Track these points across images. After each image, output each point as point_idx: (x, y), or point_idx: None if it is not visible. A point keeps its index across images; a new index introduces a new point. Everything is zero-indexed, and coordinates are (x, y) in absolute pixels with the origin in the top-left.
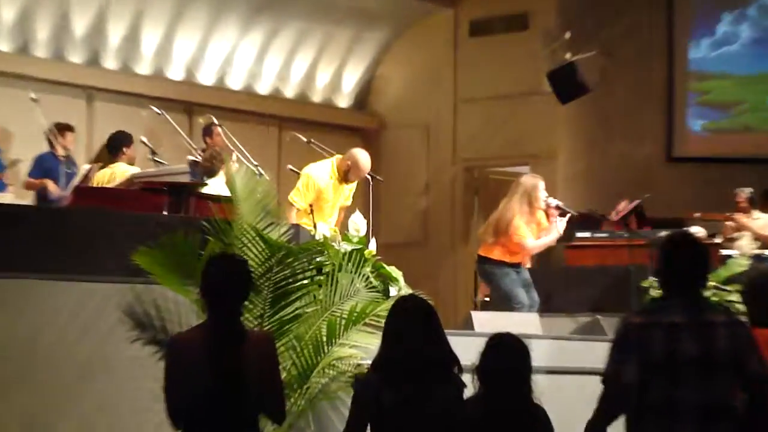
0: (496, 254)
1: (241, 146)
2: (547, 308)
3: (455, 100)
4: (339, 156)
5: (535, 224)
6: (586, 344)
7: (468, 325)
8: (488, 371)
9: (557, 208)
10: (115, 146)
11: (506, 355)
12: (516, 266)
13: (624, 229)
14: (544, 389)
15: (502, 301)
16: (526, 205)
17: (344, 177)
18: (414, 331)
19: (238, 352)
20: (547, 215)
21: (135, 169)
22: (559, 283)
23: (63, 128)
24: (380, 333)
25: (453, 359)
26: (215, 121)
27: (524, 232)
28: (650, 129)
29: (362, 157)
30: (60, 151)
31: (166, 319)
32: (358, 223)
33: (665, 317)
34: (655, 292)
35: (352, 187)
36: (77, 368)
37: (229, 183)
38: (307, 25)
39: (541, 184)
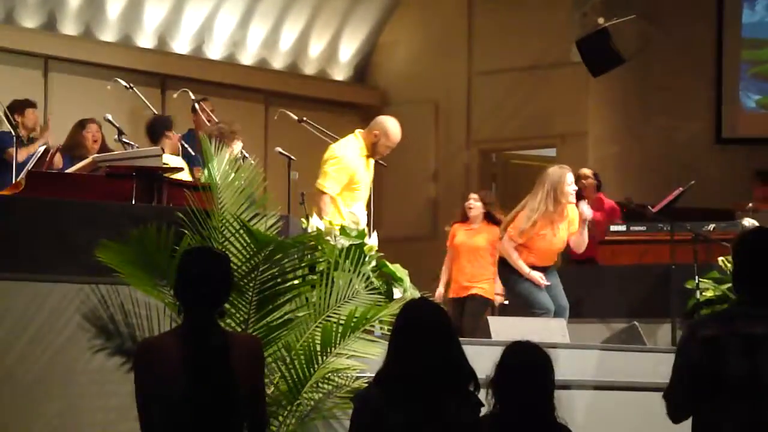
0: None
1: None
2: (575, 313)
3: (469, 73)
4: (360, 130)
5: (563, 223)
6: (622, 355)
7: (484, 331)
8: (505, 385)
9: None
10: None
11: (526, 367)
12: (542, 270)
13: (665, 221)
14: (570, 407)
15: (523, 308)
16: (551, 202)
17: (373, 151)
18: (424, 340)
19: (220, 359)
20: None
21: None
22: (589, 284)
23: (21, 105)
24: (382, 341)
25: (469, 374)
26: (191, 95)
27: (518, 231)
28: (696, 105)
29: (391, 124)
30: (22, 132)
31: (135, 325)
32: (357, 215)
33: (744, 327)
34: (703, 295)
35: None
36: (29, 384)
37: (208, 167)
38: None
39: (570, 177)
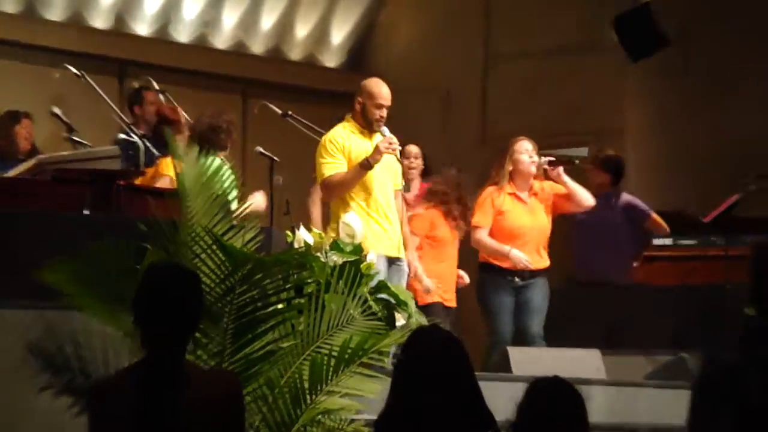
0: (482, 254)
1: (190, 120)
2: (612, 343)
3: (485, 57)
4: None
5: (535, 202)
6: (668, 393)
7: (503, 364)
8: (528, 430)
9: (551, 164)
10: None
11: (554, 407)
12: (522, 275)
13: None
14: None
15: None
16: (504, 172)
17: (365, 122)
18: (433, 376)
19: (184, 400)
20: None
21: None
22: (628, 308)
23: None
24: (382, 376)
25: (486, 417)
26: (155, 85)
27: (479, 216)
28: (759, 95)
29: (369, 81)
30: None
31: (89, 358)
32: (353, 226)
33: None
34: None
35: (397, 167)
36: None
37: (176, 171)
38: None
39: (525, 144)
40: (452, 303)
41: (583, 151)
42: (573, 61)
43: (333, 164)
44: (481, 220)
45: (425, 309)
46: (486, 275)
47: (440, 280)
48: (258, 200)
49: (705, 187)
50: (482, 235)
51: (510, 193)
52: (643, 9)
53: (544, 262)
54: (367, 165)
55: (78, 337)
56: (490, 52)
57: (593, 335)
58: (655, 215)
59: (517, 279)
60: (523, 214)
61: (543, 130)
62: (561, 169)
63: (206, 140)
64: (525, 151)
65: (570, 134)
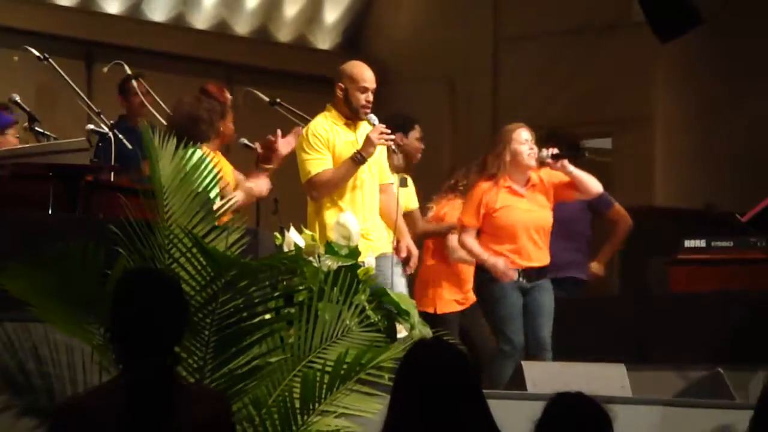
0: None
1: (167, 109)
2: (639, 357)
3: (495, 39)
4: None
5: (534, 194)
6: (702, 412)
7: (517, 381)
8: None
9: (555, 158)
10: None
11: (577, 427)
12: (527, 274)
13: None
14: None
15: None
16: (501, 164)
17: (350, 110)
18: (436, 394)
19: (174, 420)
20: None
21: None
22: (659, 318)
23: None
24: (381, 394)
25: None
26: (128, 70)
27: (468, 216)
28: None
29: (350, 63)
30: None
31: (53, 375)
32: (349, 227)
33: None
34: None
35: (379, 157)
36: None
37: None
38: None
39: (523, 133)
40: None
41: (607, 143)
42: (594, 43)
43: (318, 160)
44: (470, 220)
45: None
46: (491, 276)
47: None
48: (260, 185)
49: (744, 184)
50: (469, 237)
51: (506, 187)
52: None
53: (546, 259)
54: (360, 159)
55: (41, 352)
56: (500, 35)
57: (618, 348)
58: (618, 205)
59: (522, 279)
60: (520, 210)
61: (560, 120)
62: (565, 160)
63: (185, 132)
64: (525, 141)
65: (591, 124)
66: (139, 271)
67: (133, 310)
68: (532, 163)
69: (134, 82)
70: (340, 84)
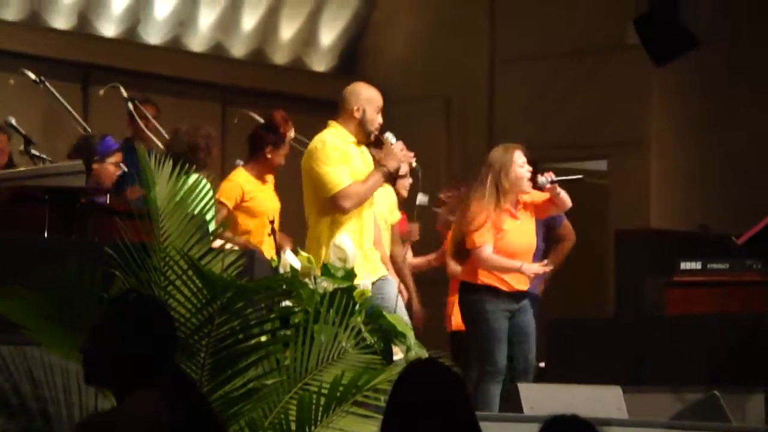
0: (482, 275)
1: (162, 131)
2: (635, 379)
3: (492, 61)
4: (332, 121)
5: (523, 214)
6: None
7: (513, 403)
8: None
9: (553, 184)
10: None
11: None
12: (516, 296)
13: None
14: None
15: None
16: (501, 193)
17: (362, 130)
18: (431, 417)
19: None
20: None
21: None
22: (655, 340)
23: None
24: (378, 416)
25: None
26: (123, 92)
27: (481, 235)
28: None
29: (364, 86)
30: None
31: (49, 398)
32: (345, 248)
33: None
34: None
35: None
36: None
37: (146, 186)
38: None
39: (520, 156)
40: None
41: (602, 165)
42: (589, 65)
43: (342, 172)
44: (485, 238)
45: None
46: (481, 297)
47: None
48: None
49: (740, 205)
50: (490, 253)
51: (506, 210)
52: (669, 5)
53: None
54: (388, 173)
55: (36, 375)
56: (496, 56)
57: (613, 370)
58: (567, 221)
59: (513, 302)
60: (518, 233)
61: (556, 141)
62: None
63: (185, 160)
64: (523, 164)
65: (586, 147)
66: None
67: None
68: (530, 188)
69: (130, 105)
70: (356, 106)
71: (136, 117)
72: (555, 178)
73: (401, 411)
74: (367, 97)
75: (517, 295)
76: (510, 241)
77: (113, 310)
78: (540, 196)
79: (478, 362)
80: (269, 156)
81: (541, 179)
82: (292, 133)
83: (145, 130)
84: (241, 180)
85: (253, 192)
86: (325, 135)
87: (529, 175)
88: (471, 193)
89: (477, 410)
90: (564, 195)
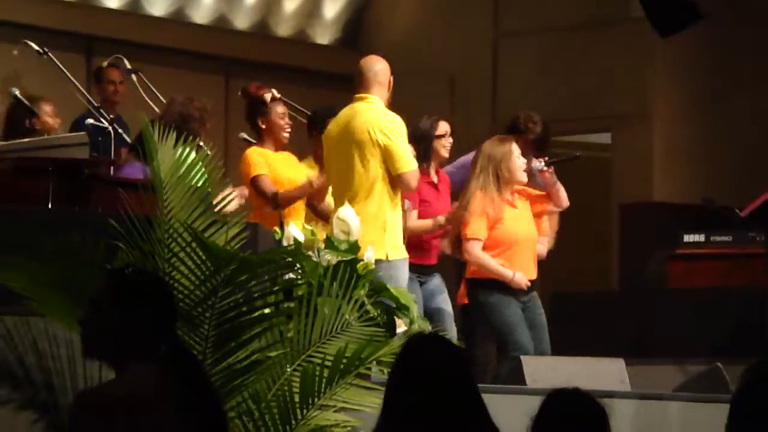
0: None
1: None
2: (638, 352)
3: (495, 34)
4: (366, 95)
5: (522, 203)
6: (701, 407)
7: (516, 376)
8: None
9: (549, 167)
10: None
11: (573, 422)
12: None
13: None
14: None
15: (499, 345)
16: (499, 184)
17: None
18: (432, 391)
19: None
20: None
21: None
22: (658, 313)
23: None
24: (381, 389)
25: None
26: (127, 64)
27: (476, 227)
28: None
29: (380, 61)
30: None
31: (53, 369)
32: (348, 221)
33: None
34: None
35: None
36: None
37: (150, 158)
38: None
39: (516, 148)
40: None
41: (606, 138)
42: (593, 38)
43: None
44: (480, 231)
45: None
46: (489, 292)
47: None
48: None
49: (743, 178)
50: (478, 250)
51: (504, 200)
52: None
53: (535, 272)
54: None
55: (41, 346)
56: (499, 30)
57: (617, 342)
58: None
59: (520, 294)
60: (517, 221)
61: (559, 114)
62: (552, 169)
63: (177, 130)
64: (518, 156)
65: (589, 119)
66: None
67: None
68: (525, 177)
69: (112, 71)
70: (387, 81)
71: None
72: (548, 159)
73: (403, 386)
74: (389, 71)
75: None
76: (509, 231)
77: (111, 282)
78: (534, 191)
79: (504, 356)
80: (263, 126)
81: (535, 164)
82: (268, 95)
83: (148, 100)
84: (256, 153)
85: (272, 163)
86: (394, 115)
87: (524, 166)
88: (469, 185)
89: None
90: (562, 192)
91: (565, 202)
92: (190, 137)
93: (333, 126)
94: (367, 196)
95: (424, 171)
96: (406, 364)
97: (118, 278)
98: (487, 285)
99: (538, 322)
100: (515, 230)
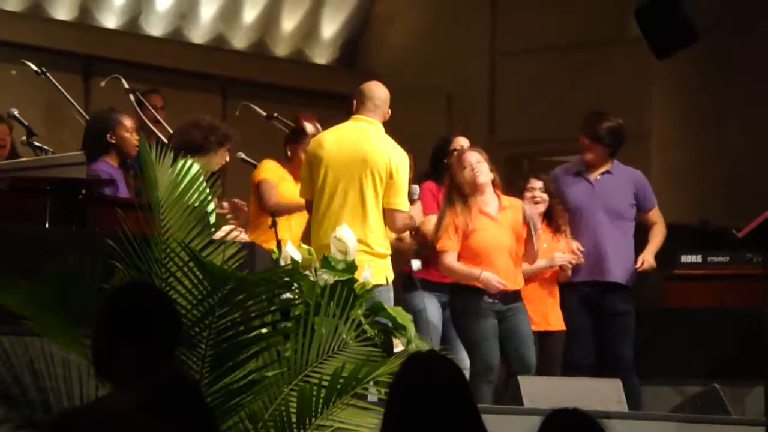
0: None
1: (164, 123)
2: (636, 371)
3: (493, 54)
4: (366, 118)
5: (501, 212)
6: (698, 427)
7: (513, 396)
8: None
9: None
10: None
11: None
12: (501, 298)
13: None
14: None
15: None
16: (456, 196)
17: None
18: (430, 410)
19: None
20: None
21: None
22: (655, 333)
23: None
24: (378, 408)
25: None
26: (125, 83)
27: (445, 241)
28: None
29: (378, 86)
30: None
31: (50, 388)
32: (346, 241)
33: None
34: None
35: None
36: None
37: (148, 177)
38: None
39: (469, 156)
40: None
41: None
42: (590, 58)
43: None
44: (448, 243)
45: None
46: (461, 298)
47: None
48: None
49: (740, 198)
50: (450, 261)
51: (477, 209)
52: None
53: (521, 283)
54: None
55: (37, 366)
56: (497, 49)
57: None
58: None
59: (496, 302)
60: (491, 232)
61: (556, 134)
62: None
63: (193, 140)
64: (477, 162)
65: None
66: (127, 284)
67: (135, 323)
68: (483, 179)
69: (132, 97)
70: (387, 111)
71: (138, 109)
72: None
73: (402, 405)
74: (388, 99)
75: (504, 296)
76: (479, 240)
77: (106, 301)
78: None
79: (472, 363)
80: (290, 153)
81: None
82: (311, 128)
83: (147, 122)
84: (275, 164)
85: (285, 180)
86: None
87: (472, 173)
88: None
89: None
90: (533, 249)
91: (532, 259)
92: (200, 151)
93: (334, 143)
94: (377, 225)
95: (442, 183)
96: (406, 383)
97: (113, 297)
98: (465, 292)
99: (520, 331)
100: (490, 239)
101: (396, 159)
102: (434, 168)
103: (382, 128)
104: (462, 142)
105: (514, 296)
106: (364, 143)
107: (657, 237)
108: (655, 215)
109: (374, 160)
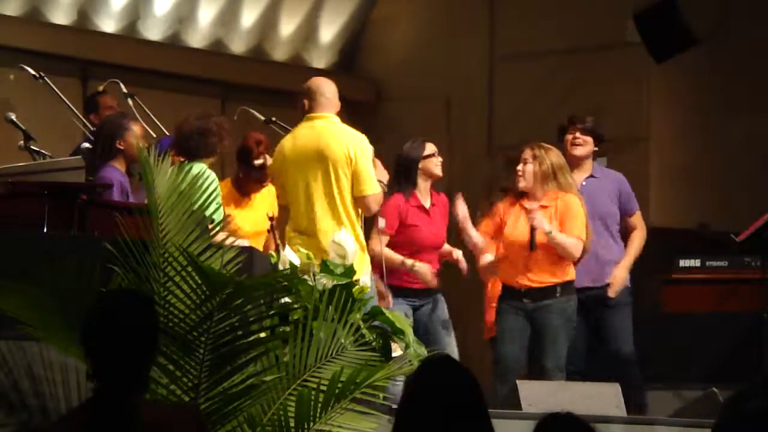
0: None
1: (163, 128)
2: None
3: (491, 58)
4: (331, 115)
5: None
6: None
7: (512, 400)
8: None
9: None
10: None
11: None
12: (526, 294)
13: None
14: None
15: None
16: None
17: None
18: (445, 414)
19: None
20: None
21: None
22: (654, 338)
23: None
24: (377, 413)
25: None
26: (123, 88)
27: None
28: None
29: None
30: None
31: (48, 394)
32: (345, 245)
33: None
34: None
35: None
36: None
37: (146, 182)
38: None
39: (429, 147)
40: None
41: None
42: (589, 62)
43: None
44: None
45: None
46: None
47: None
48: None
49: (740, 202)
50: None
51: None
52: (667, 3)
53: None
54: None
55: (35, 371)
56: (495, 54)
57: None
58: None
59: (526, 300)
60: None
61: (555, 138)
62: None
63: (194, 145)
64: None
65: None
66: (114, 291)
67: (102, 328)
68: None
69: (106, 98)
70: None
71: (114, 107)
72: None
73: (415, 412)
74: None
75: (528, 293)
76: (414, 237)
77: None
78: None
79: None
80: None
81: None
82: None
83: (144, 126)
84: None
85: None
86: (358, 132)
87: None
88: None
89: None
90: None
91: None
92: (202, 154)
93: (292, 148)
94: (348, 217)
95: (411, 194)
96: (418, 385)
97: (95, 302)
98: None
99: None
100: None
101: (354, 146)
102: (407, 178)
103: (337, 119)
104: (431, 147)
105: (540, 291)
106: (320, 140)
107: (634, 247)
108: (637, 219)
109: (333, 153)
